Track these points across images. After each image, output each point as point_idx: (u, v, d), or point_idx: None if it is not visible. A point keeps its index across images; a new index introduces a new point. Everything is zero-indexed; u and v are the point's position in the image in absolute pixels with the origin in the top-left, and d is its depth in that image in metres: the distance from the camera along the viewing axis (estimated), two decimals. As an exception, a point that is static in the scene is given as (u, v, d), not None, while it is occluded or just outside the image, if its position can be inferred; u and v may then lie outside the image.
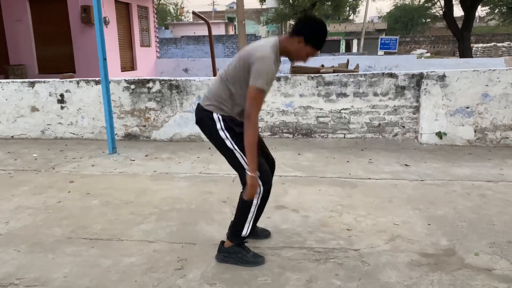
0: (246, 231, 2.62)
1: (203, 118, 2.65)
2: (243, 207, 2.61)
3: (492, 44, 29.31)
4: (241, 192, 2.61)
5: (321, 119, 6.02)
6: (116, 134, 6.01)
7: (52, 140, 6.41)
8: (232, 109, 2.56)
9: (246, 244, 2.72)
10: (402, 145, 5.70)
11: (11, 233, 3.15)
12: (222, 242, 2.73)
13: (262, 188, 2.54)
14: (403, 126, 5.89)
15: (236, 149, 2.55)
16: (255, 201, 2.56)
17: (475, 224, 3.19)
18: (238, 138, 2.53)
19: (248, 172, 2.44)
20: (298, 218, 3.34)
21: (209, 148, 5.66)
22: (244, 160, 2.52)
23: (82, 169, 4.81)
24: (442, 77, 5.56)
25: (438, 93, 5.59)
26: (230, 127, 2.56)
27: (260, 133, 6.10)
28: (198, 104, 2.68)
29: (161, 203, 3.70)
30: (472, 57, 18.79)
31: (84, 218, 3.41)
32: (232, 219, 2.77)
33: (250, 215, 2.60)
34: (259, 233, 2.98)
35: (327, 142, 5.90)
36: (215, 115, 2.57)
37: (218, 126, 2.56)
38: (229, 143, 2.56)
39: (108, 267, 2.64)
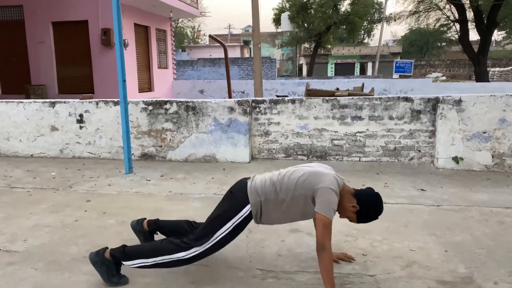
0: (133, 265, 2.65)
1: (238, 197, 2.66)
2: (161, 250, 2.61)
3: (509, 68, 29.09)
4: (173, 240, 2.64)
5: (336, 142, 6.02)
6: (132, 154, 6.10)
7: (70, 159, 6.53)
8: (266, 216, 2.63)
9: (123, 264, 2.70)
10: (418, 169, 5.66)
11: (29, 250, 3.19)
12: (105, 248, 2.70)
13: (187, 256, 2.57)
14: (419, 150, 5.85)
15: (226, 230, 2.59)
16: (172, 256, 2.58)
17: (494, 251, 3.13)
18: (235, 232, 2.62)
19: None
20: (313, 242, 3.30)
21: (223, 169, 5.70)
22: (218, 237, 2.58)
23: (99, 188, 4.88)
24: (458, 102, 5.55)
25: (455, 117, 5.57)
26: (243, 225, 2.63)
27: (274, 155, 6.13)
28: (245, 184, 2.69)
29: (176, 224, 3.71)
30: (488, 81, 18.68)
31: (100, 237, 3.45)
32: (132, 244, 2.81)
33: (150, 260, 2.62)
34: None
35: (342, 165, 5.88)
36: (248, 207, 2.60)
37: (240, 214, 2.60)
38: (230, 224, 2.59)
39: None
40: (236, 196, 2.67)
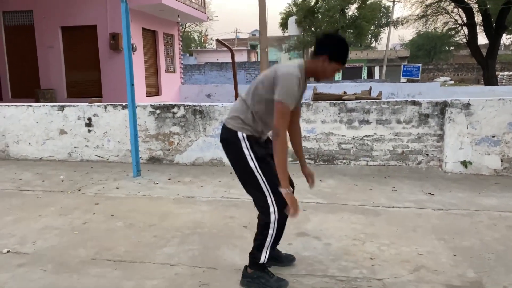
0: (263, 258, 2.64)
1: (229, 138, 2.65)
2: (260, 235, 2.62)
3: (517, 72, 28.88)
4: (258, 221, 2.64)
5: (343, 146, 6.01)
6: (140, 157, 6.13)
7: (78, 162, 6.58)
8: (255, 128, 2.61)
9: (269, 268, 2.72)
10: (426, 173, 5.63)
11: (38, 252, 3.22)
12: (246, 267, 2.74)
13: (277, 215, 2.54)
14: (427, 154, 5.82)
15: (258, 171, 2.56)
16: (271, 231, 2.57)
17: (503, 256, 3.10)
18: (261, 161, 2.56)
19: (282, 189, 2.46)
20: (320, 246, 3.32)
21: (231, 173, 5.70)
22: (265, 183, 2.54)
23: (107, 191, 4.91)
24: (466, 106, 5.52)
25: (463, 121, 5.53)
26: (254, 148, 2.58)
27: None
28: (223, 125, 2.71)
29: (183, 227, 3.73)
30: (497, 85, 18.54)
31: (108, 240, 3.47)
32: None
33: (267, 244, 2.61)
34: (283, 259, 2.97)
35: (350, 169, 5.87)
36: (239, 134, 2.59)
37: (243, 144, 2.58)
38: (252, 164, 2.56)
39: (131, 290, 2.67)
40: (229, 140, 2.64)
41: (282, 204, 2.51)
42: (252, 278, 2.67)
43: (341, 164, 6.02)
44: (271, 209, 2.54)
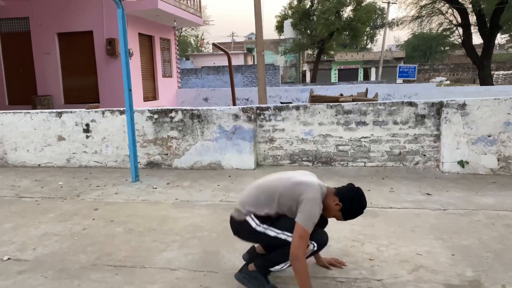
0: (277, 269, 2.65)
1: (239, 229, 2.70)
2: (286, 254, 2.59)
3: (513, 71, 29.01)
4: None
5: (340, 148, 6.04)
6: (138, 162, 6.14)
7: (77, 168, 6.58)
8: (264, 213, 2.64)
9: (269, 276, 2.73)
10: (424, 173, 5.66)
11: (39, 259, 3.23)
12: (246, 264, 2.76)
13: (316, 245, 2.62)
14: (424, 155, 5.86)
15: (280, 233, 2.57)
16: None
17: (501, 255, 3.12)
18: (276, 221, 2.59)
19: None
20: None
21: (229, 176, 5.72)
22: (283, 235, 2.56)
23: (106, 197, 4.92)
24: (462, 106, 5.56)
25: (459, 121, 5.57)
26: (264, 219, 2.61)
27: (279, 162, 6.15)
28: (232, 218, 2.73)
29: (183, 231, 3.74)
30: (493, 84, 18.64)
31: (109, 245, 3.48)
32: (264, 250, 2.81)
33: (287, 265, 2.62)
34: None
35: (347, 170, 5.90)
36: (248, 218, 2.63)
37: (254, 224, 2.61)
38: (271, 232, 2.58)
39: (132, 294, 2.68)
40: (240, 231, 2.71)
41: (319, 240, 2.64)
42: (250, 277, 2.69)
43: (339, 166, 6.05)
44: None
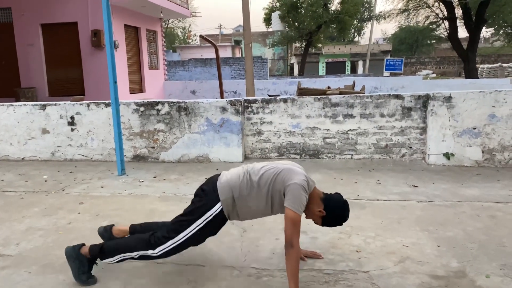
0: (112, 261, 2.67)
1: (209, 192, 2.64)
2: (133, 245, 2.62)
3: (497, 64, 29.40)
4: (149, 235, 2.63)
5: (328, 140, 6.05)
6: (124, 155, 6.07)
7: (62, 162, 6.49)
8: (239, 212, 2.62)
9: (96, 264, 2.74)
10: (410, 166, 5.70)
11: (22, 254, 3.17)
12: (83, 245, 2.73)
13: (157, 255, 2.59)
14: (410, 147, 5.90)
15: (194, 228, 2.56)
16: (146, 252, 2.59)
17: (486, 245, 3.17)
18: (205, 229, 2.59)
19: None
20: (307, 240, 3.34)
21: (217, 169, 5.69)
22: (188, 233, 2.56)
23: (91, 191, 4.86)
24: (448, 98, 5.60)
25: (445, 114, 5.62)
26: (214, 223, 2.60)
27: (267, 154, 6.15)
28: (216, 183, 2.66)
29: (170, 225, 3.71)
30: (478, 77, 18.86)
31: (94, 239, 3.42)
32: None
33: (124, 256, 2.64)
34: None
35: (335, 163, 5.92)
36: (218, 204, 2.58)
37: (210, 211, 2.57)
38: (199, 222, 2.56)
39: (118, 289, 2.65)
40: (207, 194, 2.63)
41: (167, 254, 2.60)
42: (77, 258, 2.66)
43: (326, 159, 6.07)
44: (162, 248, 2.57)
